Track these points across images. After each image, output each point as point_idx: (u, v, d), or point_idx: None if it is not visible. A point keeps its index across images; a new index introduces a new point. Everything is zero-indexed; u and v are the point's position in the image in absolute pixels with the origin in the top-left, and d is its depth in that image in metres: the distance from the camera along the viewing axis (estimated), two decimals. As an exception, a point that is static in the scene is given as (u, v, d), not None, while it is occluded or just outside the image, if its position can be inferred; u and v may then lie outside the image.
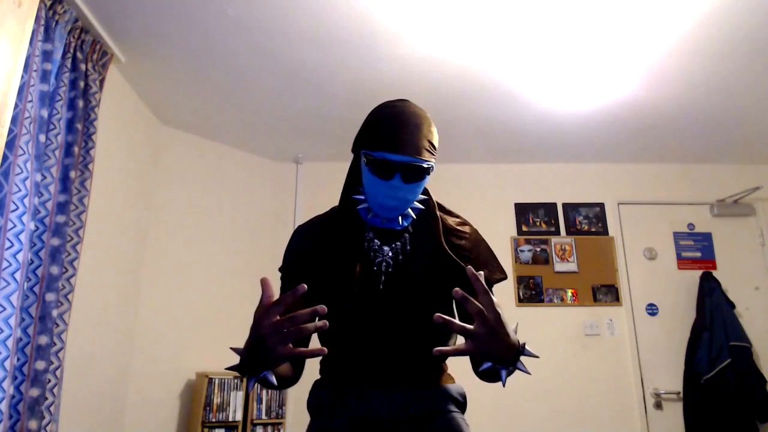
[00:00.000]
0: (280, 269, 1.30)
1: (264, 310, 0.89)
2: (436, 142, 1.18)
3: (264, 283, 0.91)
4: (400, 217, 1.22)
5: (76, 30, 2.32)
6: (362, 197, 1.24)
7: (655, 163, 3.92)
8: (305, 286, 0.86)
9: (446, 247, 1.23)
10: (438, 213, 1.28)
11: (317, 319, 1.06)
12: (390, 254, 1.22)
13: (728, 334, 3.33)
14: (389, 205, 1.17)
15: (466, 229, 1.30)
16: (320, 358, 1.33)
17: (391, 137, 1.12)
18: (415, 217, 1.25)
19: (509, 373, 0.98)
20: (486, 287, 0.92)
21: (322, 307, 0.86)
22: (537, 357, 0.99)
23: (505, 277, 1.28)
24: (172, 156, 3.45)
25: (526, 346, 0.98)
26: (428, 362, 1.25)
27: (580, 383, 3.49)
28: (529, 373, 0.98)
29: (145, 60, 2.75)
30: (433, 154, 1.17)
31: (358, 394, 1.20)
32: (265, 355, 0.91)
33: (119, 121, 2.90)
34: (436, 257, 1.23)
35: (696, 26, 2.42)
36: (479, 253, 1.27)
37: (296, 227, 1.34)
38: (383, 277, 1.20)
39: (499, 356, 0.95)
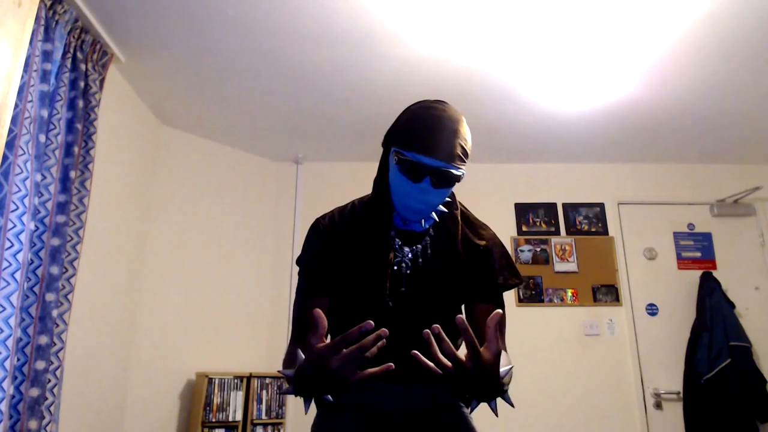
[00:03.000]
0: (300, 262, 1.28)
1: (330, 347, 0.89)
2: (469, 150, 1.16)
3: (318, 316, 0.91)
4: (422, 219, 1.22)
5: (76, 30, 2.32)
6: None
7: (655, 163, 3.92)
8: (372, 323, 0.84)
9: (462, 254, 1.23)
10: (459, 217, 1.27)
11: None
12: (410, 256, 1.22)
13: (728, 334, 3.32)
14: (414, 207, 1.16)
15: (485, 233, 1.29)
16: None
17: (425, 139, 1.10)
18: (437, 219, 1.25)
19: (476, 406, 1.03)
20: (496, 334, 0.90)
21: (369, 323, 0.85)
22: (512, 406, 1.01)
23: (520, 282, 1.28)
24: (172, 156, 3.45)
25: (507, 393, 0.99)
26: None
27: (580, 383, 3.49)
28: (512, 406, 1.02)
29: (145, 60, 2.75)
30: (465, 162, 1.15)
31: (368, 388, 1.21)
32: (336, 384, 0.92)
33: (119, 121, 2.89)
34: (454, 263, 1.23)
35: (696, 26, 2.42)
36: (496, 259, 1.26)
37: (316, 220, 1.31)
38: (403, 279, 1.21)
39: (475, 392, 0.94)
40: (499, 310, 0.89)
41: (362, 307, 1.21)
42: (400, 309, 1.20)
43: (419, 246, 1.23)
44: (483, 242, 1.27)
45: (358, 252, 1.22)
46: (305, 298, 1.25)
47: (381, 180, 1.24)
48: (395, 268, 1.21)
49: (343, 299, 1.25)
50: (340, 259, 1.23)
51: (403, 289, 1.20)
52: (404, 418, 1.20)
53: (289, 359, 1.13)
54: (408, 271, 1.21)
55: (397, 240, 1.23)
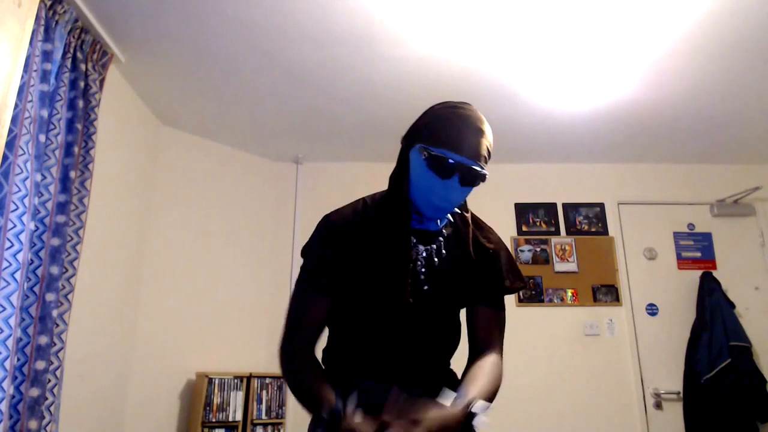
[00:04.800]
0: (306, 256, 1.25)
1: None
2: (492, 152, 1.18)
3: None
4: (439, 219, 1.23)
5: (76, 30, 2.32)
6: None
7: (655, 163, 3.92)
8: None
9: (473, 255, 1.25)
10: (470, 220, 1.29)
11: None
12: (425, 254, 1.23)
13: (728, 334, 3.32)
14: (437, 205, 1.16)
15: (492, 237, 1.32)
16: (324, 349, 1.32)
17: (456, 137, 1.12)
18: (451, 219, 1.27)
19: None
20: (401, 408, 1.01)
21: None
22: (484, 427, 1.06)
23: (524, 286, 1.32)
24: (172, 156, 3.45)
25: (477, 415, 1.04)
26: (442, 361, 1.29)
27: (580, 383, 3.49)
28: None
29: (145, 60, 2.75)
30: (487, 163, 1.18)
31: (368, 388, 1.21)
32: None
33: (119, 121, 2.89)
34: (464, 263, 1.25)
35: (696, 26, 2.42)
36: (503, 262, 1.29)
37: (327, 217, 1.27)
38: (422, 277, 1.21)
39: None
40: (396, 387, 0.99)
41: (377, 306, 1.20)
42: (415, 307, 1.20)
43: (434, 245, 1.24)
44: (492, 245, 1.29)
45: (374, 250, 1.20)
46: (307, 296, 1.23)
47: (400, 177, 1.22)
48: (412, 266, 1.21)
49: (355, 298, 1.23)
50: (353, 258, 1.21)
51: (426, 287, 1.21)
52: None
53: (307, 395, 1.14)
54: (423, 269, 1.21)
55: (412, 238, 1.23)
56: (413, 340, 1.22)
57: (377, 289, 1.20)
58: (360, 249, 1.21)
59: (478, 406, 1.04)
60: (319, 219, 1.29)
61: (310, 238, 1.27)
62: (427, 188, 1.15)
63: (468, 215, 1.30)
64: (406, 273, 1.18)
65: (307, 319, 1.22)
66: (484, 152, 1.15)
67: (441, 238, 1.25)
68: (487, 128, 1.17)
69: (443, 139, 1.13)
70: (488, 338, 1.26)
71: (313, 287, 1.23)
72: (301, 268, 1.26)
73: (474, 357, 1.24)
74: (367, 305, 1.22)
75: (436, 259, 1.23)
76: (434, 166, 1.13)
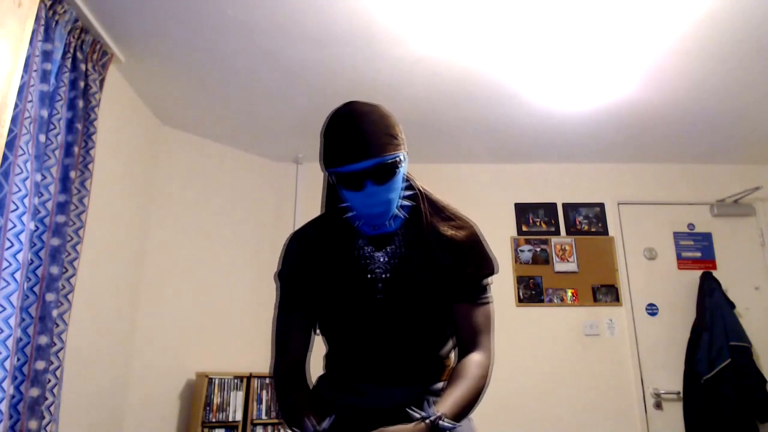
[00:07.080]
0: (278, 276, 1.31)
1: None
2: (396, 132, 1.14)
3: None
4: (389, 220, 1.21)
5: (76, 30, 2.32)
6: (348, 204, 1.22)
7: (655, 163, 3.92)
8: None
9: (433, 246, 1.21)
10: (424, 209, 1.24)
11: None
12: (384, 259, 1.21)
13: (728, 334, 3.32)
14: (374, 212, 1.16)
15: (456, 223, 1.26)
16: (324, 355, 1.34)
17: (345, 148, 1.09)
18: (405, 216, 1.23)
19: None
20: None
21: None
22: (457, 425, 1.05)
23: (491, 272, 1.24)
24: (172, 156, 3.45)
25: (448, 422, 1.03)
26: (428, 360, 1.26)
27: (580, 383, 3.48)
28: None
29: (145, 60, 2.75)
30: (399, 144, 1.14)
31: (361, 390, 1.22)
32: None
33: (119, 121, 2.89)
34: (427, 257, 1.22)
35: (696, 26, 2.42)
36: (467, 247, 1.23)
37: (291, 234, 1.34)
38: (380, 285, 1.20)
39: None
40: None
41: (345, 319, 1.22)
42: (382, 314, 1.20)
43: (391, 247, 1.22)
44: (452, 232, 1.23)
45: (333, 266, 1.24)
46: (285, 314, 1.27)
47: (332, 198, 1.25)
48: (369, 276, 1.20)
49: (327, 311, 1.27)
50: (318, 273, 1.24)
51: (381, 296, 1.19)
52: (396, 416, 1.19)
53: (290, 408, 1.15)
54: (384, 275, 1.20)
55: (366, 248, 1.22)
56: (391, 342, 1.21)
57: (340, 304, 1.22)
58: (321, 265, 1.24)
59: (445, 424, 1.01)
60: None
61: (280, 259, 1.32)
62: (356, 203, 1.15)
63: (423, 204, 1.24)
64: (359, 288, 1.20)
65: (289, 337, 1.25)
66: (383, 141, 1.10)
67: (398, 237, 1.23)
68: (376, 117, 1.13)
69: (335, 157, 1.11)
70: (471, 336, 1.21)
71: (289, 305, 1.27)
72: (278, 288, 1.30)
73: (459, 357, 1.22)
74: (337, 313, 1.24)
75: (396, 261, 1.21)
76: (345, 184, 1.12)
